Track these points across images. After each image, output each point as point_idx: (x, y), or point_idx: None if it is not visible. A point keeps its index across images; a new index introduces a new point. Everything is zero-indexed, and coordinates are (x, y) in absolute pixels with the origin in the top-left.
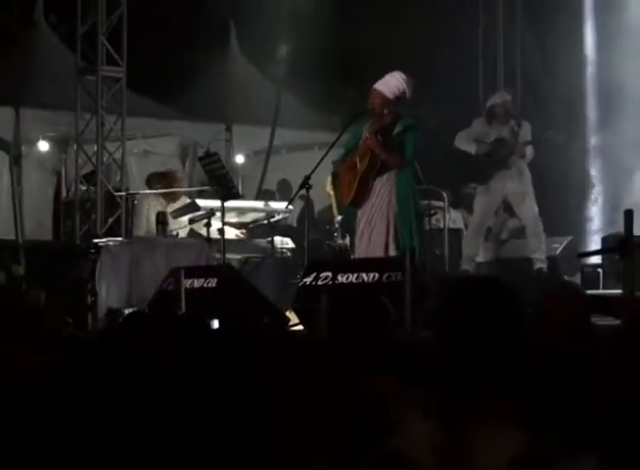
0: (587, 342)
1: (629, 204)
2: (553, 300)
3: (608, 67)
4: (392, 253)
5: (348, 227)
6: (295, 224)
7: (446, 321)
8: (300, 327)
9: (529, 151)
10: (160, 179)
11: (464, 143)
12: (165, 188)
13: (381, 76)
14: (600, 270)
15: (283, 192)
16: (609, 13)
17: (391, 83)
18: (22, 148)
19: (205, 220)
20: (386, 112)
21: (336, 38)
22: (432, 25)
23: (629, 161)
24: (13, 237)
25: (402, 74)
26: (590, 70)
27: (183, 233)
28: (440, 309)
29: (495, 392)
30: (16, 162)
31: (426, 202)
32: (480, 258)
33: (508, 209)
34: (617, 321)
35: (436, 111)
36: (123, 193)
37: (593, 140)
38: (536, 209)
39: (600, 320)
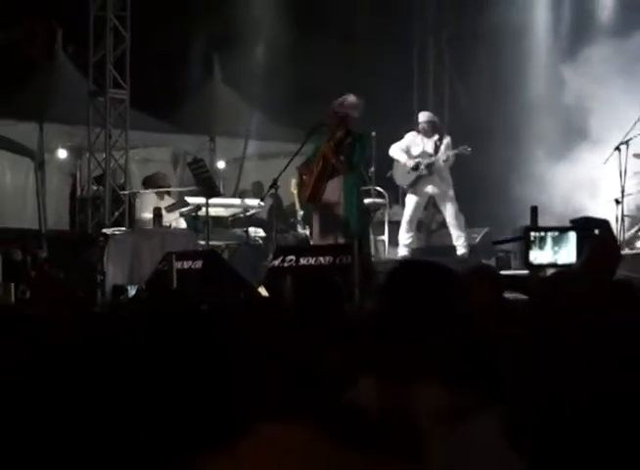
0: (500, 313)
1: (537, 201)
2: (473, 279)
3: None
4: (342, 240)
5: (308, 220)
6: (265, 217)
7: (392, 295)
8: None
9: (450, 159)
10: (150, 180)
11: (397, 153)
12: (156, 186)
13: (336, 98)
14: (511, 255)
15: (256, 191)
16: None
17: (344, 103)
18: (45, 155)
19: (193, 214)
20: (339, 126)
21: (300, 68)
22: (377, 60)
23: (538, 166)
24: (37, 227)
25: (353, 96)
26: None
27: (175, 224)
28: (386, 285)
29: (426, 354)
30: (40, 167)
31: (371, 200)
32: (414, 245)
33: (435, 205)
34: (525, 296)
35: (378, 127)
36: (127, 192)
37: (505, 150)
38: (457, 205)
39: (511, 295)
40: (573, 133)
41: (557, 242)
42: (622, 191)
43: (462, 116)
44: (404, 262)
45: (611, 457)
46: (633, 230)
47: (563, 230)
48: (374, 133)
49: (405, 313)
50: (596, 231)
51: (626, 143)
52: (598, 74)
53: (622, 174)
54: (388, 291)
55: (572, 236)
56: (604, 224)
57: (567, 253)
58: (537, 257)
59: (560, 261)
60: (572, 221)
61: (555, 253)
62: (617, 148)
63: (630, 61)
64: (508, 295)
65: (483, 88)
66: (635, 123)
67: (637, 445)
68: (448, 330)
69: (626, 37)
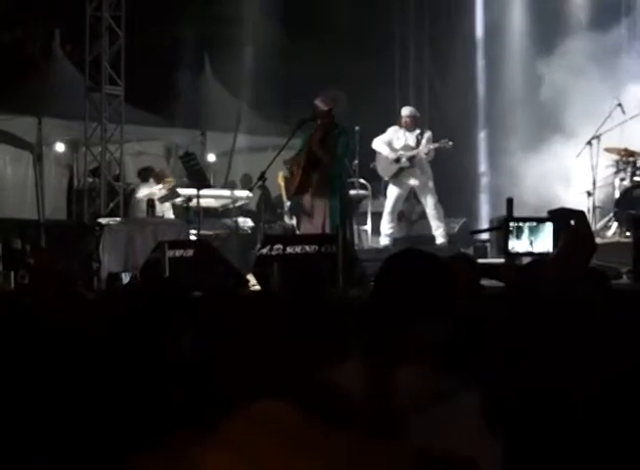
0: (478, 298)
1: (512, 193)
2: (452, 267)
3: (494, 84)
4: (327, 230)
5: (295, 210)
6: (254, 208)
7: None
8: (258, 287)
9: (430, 153)
10: (146, 171)
11: (380, 146)
12: (150, 177)
13: (320, 94)
14: (488, 244)
15: (244, 183)
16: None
17: (328, 98)
18: (43, 149)
19: (185, 204)
20: (324, 120)
21: (287, 66)
22: (360, 58)
23: (512, 159)
24: (36, 217)
25: (336, 92)
26: (480, 87)
27: (167, 214)
28: (383, 273)
29: (411, 339)
30: (38, 159)
31: (354, 191)
32: (395, 235)
33: (416, 196)
34: (501, 283)
35: (362, 121)
36: (121, 184)
37: (482, 144)
38: (436, 197)
39: (487, 282)
40: (548, 127)
41: (534, 232)
42: (594, 183)
43: (441, 111)
44: (400, 251)
45: (586, 439)
46: (604, 221)
47: (540, 220)
48: (357, 127)
49: (400, 300)
50: (572, 222)
51: (597, 138)
52: (574, 69)
53: (594, 167)
54: (385, 278)
55: (549, 226)
56: (580, 215)
57: (543, 242)
58: (515, 246)
59: (536, 250)
60: (550, 212)
61: (532, 242)
62: (589, 142)
63: (605, 55)
64: (484, 282)
65: (461, 85)
66: (606, 119)
67: (611, 426)
68: (435, 316)
69: (603, 32)
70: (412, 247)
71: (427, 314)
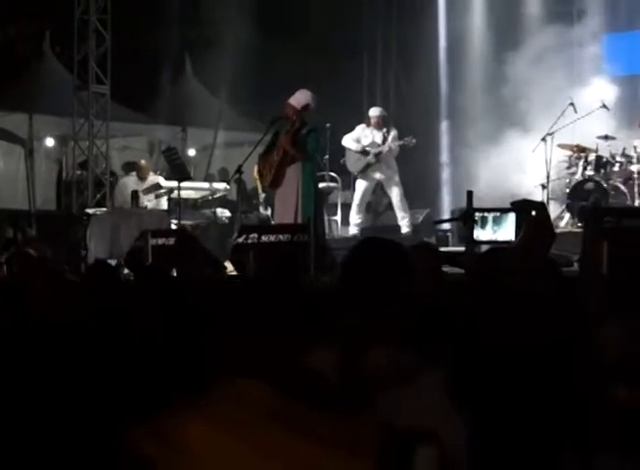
0: (439, 284)
1: (472, 185)
2: (417, 255)
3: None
4: (300, 220)
5: (269, 202)
6: (231, 199)
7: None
8: (235, 273)
9: (396, 149)
10: (130, 165)
11: (349, 142)
12: (135, 173)
13: (293, 93)
14: (449, 234)
15: (222, 176)
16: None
17: (300, 98)
18: (34, 143)
19: (167, 196)
20: (295, 118)
21: (262, 66)
22: (331, 59)
23: (473, 154)
24: (27, 208)
25: (307, 92)
26: (443, 85)
27: (150, 205)
28: (348, 260)
29: (379, 322)
30: (29, 154)
31: (325, 184)
32: (363, 225)
33: (382, 189)
34: (461, 270)
35: (332, 118)
36: (107, 176)
37: (444, 139)
38: (402, 189)
39: (449, 269)
40: (508, 121)
41: (497, 222)
42: (548, 177)
43: (406, 109)
44: (365, 240)
45: (539, 413)
46: (558, 212)
47: (503, 211)
48: (328, 125)
49: (365, 285)
50: (533, 212)
51: (551, 134)
52: (533, 65)
53: (548, 162)
54: (351, 266)
55: (512, 217)
56: (541, 206)
57: (506, 231)
58: (479, 234)
59: (499, 239)
60: (512, 203)
61: (495, 231)
62: (544, 139)
63: (563, 50)
64: (446, 269)
65: (425, 84)
66: (558, 118)
67: (561, 399)
68: (400, 300)
69: (559, 26)
70: (376, 236)
71: (389, 299)
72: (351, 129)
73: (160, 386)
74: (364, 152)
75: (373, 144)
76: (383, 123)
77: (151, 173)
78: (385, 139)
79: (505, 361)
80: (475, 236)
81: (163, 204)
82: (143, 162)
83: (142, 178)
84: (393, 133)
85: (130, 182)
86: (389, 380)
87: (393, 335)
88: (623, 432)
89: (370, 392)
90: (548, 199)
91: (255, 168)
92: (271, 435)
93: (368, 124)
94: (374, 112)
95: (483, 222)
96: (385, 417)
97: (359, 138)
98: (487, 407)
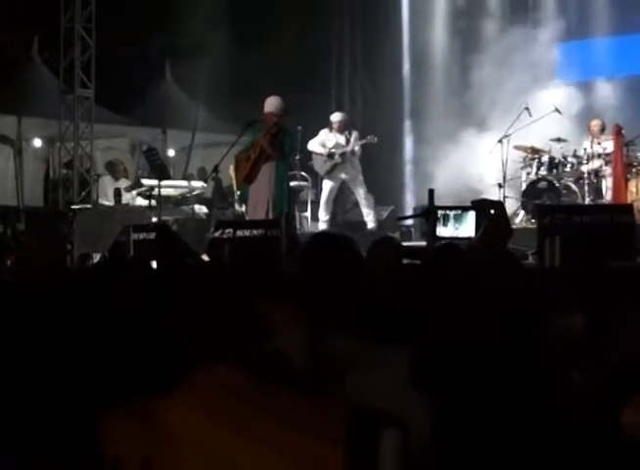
0: (401, 274)
1: (433, 184)
2: (379, 248)
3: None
4: (271, 215)
5: (244, 199)
6: (209, 196)
7: (310, 261)
8: None
9: (359, 150)
10: (112, 165)
11: (315, 146)
12: (114, 172)
13: (265, 97)
14: (412, 229)
15: (200, 175)
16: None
17: (275, 102)
18: (23, 144)
19: (147, 193)
20: (272, 122)
21: (238, 71)
22: (302, 65)
23: (434, 153)
24: (16, 204)
25: (279, 98)
26: (406, 90)
27: (132, 202)
28: (305, 254)
29: (341, 309)
30: (18, 153)
31: (296, 182)
32: (332, 220)
33: (349, 188)
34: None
35: (302, 122)
36: (92, 175)
37: (407, 140)
38: (366, 187)
39: (410, 262)
40: (467, 123)
41: (458, 219)
42: (504, 176)
43: (371, 112)
44: (317, 235)
45: (499, 395)
46: (513, 209)
47: (464, 209)
48: (299, 127)
49: (320, 275)
50: (492, 211)
51: (508, 137)
52: (493, 72)
53: (504, 163)
54: (307, 258)
55: (472, 215)
56: (499, 205)
57: (467, 228)
58: (441, 231)
59: (460, 235)
60: (473, 202)
61: (456, 228)
62: (500, 141)
63: (523, 51)
64: (408, 261)
65: (389, 88)
66: (514, 122)
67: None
68: (355, 289)
69: (522, 36)
70: (343, 232)
71: (343, 287)
72: (314, 134)
73: (142, 372)
74: (330, 155)
75: (337, 146)
76: (344, 127)
77: (122, 179)
78: (348, 140)
79: (465, 346)
80: (437, 232)
81: (145, 201)
82: (120, 165)
83: (116, 179)
84: (355, 135)
85: (113, 182)
86: (353, 364)
87: (354, 321)
88: (578, 412)
89: (335, 375)
90: (504, 197)
91: (231, 168)
92: (242, 417)
93: (331, 129)
94: (336, 117)
95: (445, 220)
96: (350, 400)
97: (324, 142)
98: (450, 391)
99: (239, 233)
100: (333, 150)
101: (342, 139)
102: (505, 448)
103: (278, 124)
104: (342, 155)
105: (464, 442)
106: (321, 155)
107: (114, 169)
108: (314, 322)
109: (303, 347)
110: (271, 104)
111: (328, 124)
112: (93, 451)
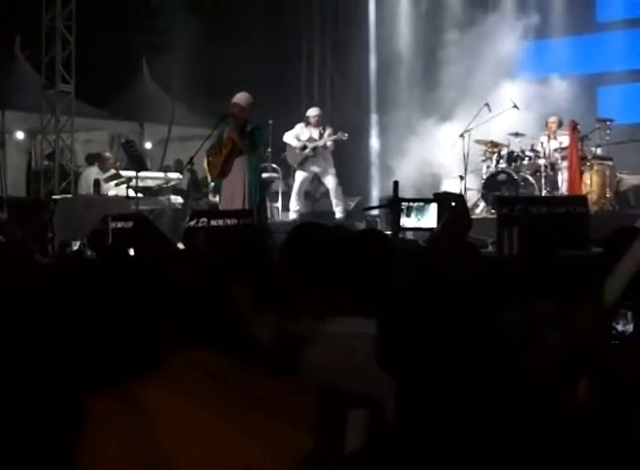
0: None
1: (398, 176)
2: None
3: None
4: (245, 206)
5: (218, 190)
6: (184, 187)
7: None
8: None
9: (331, 145)
10: (93, 157)
11: (289, 139)
12: (102, 164)
13: (236, 94)
14: (378, 219)
15: (176, 167)
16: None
17: (244, 97)
18: (6, 136)
19: (126, 184)
20: (241, 116)
21: (211, 67)
22: (276, 61)
23: (399, 146)
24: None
25: (247, 94)
26: (372, 85)
27: (111, 192)
28: (287, 243)
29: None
30: (2, 146)
31: (268, 174)
32: (302, 211)
33: (319, 179)
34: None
35: (273, 116)
36: (72, 166)
37: (374, 133)
38: (336, 179)
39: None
40: (432, 117)
41: (421, 211)
42: (465, 169)
43: (340, 105)
44: (300, 225)
45: (465, 374)
46: (474, 200)
47: (426, 201)
48: (271, 121)
49: (300, 264)
50: (453, 203)
51: (469, 131)
52: (456, 68)
53: (465, 156)
54: (289, 247)
55: (434, 207)
56: (460, 198)
57: (429, 219)
58: (405, 222)
59: (423, 226)
60: (435, 195)
61: (419, 219)
62: (462, 135)
63: (483, 55)
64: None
65: (357, 82)
66: (474, 118)
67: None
68: (334, 276)
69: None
70: (311, 221)
71: (327, 275)
72: (292, 126)
73: (120, 358)
74: (303, 147)
75: (310, 139)
76: (320, 122)
77: (111, 168)
78: (321, 135)
79: (430, 326)
80: (401, 223)
81: (123, 191)
82: (107, 154)
83: (103, 169)
84: (329, 130)
85: (92, 173)
86: (323, 346)
87: (327, 305)
88: (530, 391)
89: (307, 357)
90: (465, 189)
91: (205, 161)
92: (222, 400)
93: (307, 123)
94: (312, 112)
95: (409, 211)
96: (320, 380)
97: (298, 135)
98: (415, 370)
99: (213, 222)
100: (306, 143)
101: (315, 133)
102: (469, 433)
103: (245, 117)
104: (314, 149)
105: (431, 421)
106: (294, 147)
107: (101, 161)
108: (287, 307)
109: (276, 330)
110: (238, 97)
111: (303, 119)
112: (76, 440)
